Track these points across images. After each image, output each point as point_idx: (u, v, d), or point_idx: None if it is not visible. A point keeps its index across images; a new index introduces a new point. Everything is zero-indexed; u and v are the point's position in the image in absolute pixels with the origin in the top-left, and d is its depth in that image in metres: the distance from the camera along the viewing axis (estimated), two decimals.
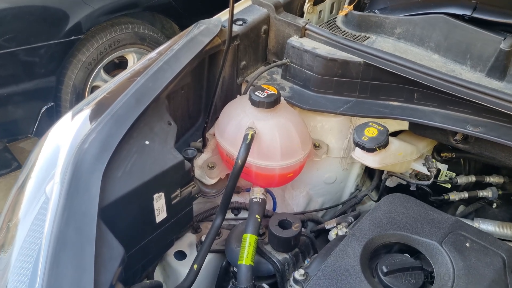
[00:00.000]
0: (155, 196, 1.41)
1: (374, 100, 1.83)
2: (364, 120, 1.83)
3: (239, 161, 1.54)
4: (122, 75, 1.62)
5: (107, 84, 1.62)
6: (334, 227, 1.96)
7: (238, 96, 1.80)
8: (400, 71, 1.69)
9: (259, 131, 1.62)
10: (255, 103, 1.63)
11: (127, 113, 1.42)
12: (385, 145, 1.69)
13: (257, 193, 1.73)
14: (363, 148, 1.69)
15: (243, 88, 1.99)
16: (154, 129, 1.46)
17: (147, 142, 1.43)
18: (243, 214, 2.03)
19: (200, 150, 1.88)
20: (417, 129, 1.84)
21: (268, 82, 1.94)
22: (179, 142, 1.93)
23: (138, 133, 1.43)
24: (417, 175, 2.01)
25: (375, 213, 1.56)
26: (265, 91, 1.66)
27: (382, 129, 1.72)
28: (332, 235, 1.77)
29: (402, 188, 2.12)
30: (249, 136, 1.57)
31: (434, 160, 1.85)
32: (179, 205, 1.53)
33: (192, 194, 1.58)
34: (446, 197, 2.02)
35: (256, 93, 1.64)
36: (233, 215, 2.01)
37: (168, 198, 1.47)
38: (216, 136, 1.77)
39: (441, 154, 2.01)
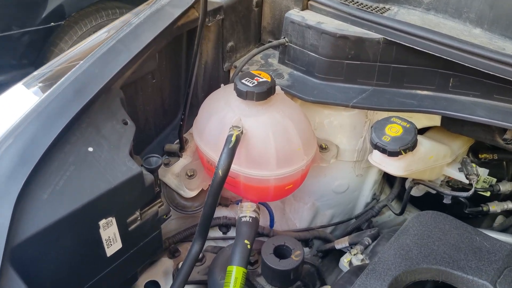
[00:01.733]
0: (102, 223, 1.03)
1: (397, 88, 1.44)
2: (384, 114, 1.44)
3: (220, 172, 1.15)
4: (61, 58, 1.23)
5: (39, 70, 1.23)
6: (346, 247, 1.58)
7: (223, 85, 1.42)
8: (432, 49, 1.29)
9: (247, 131, 1.23)
10: (242, 94, 1.24)
11: (62, 109, 1.04)
12: (412, 147, 1.29)
13: (247, 210, 1.35)
14: (383, 151, 1.29)
15: (232, 75, 1.60)
16: (101, 131, 1.08)
17: (90, 149, 1.05)
18: (233, 232, 1.65)
19: (177, 155, 1.50)
20: (452, 125, 1.44)
21: (262, 68, 1.55)
22: (152, 145, 1.55)
23: (79, 136, 1.05)
24: (449, 182, 1.61)
25: (402, 239, 1.17)
26: (255, 78, 1.27)
27: (408, 126, 1.32)
28: (343, 263, 1.38)
29: (431, 198, 1.73)
30: (233, 138, 1.18)
31: (474, 165, 1.45)
32: (140, 231, 1.15)
33: (159, 216, 1.20)
34: (485, 208, 1.62)
35: (243, 81, 1.25)
36: (221, 233, 1.63)
37: (122, 224, 1.09)
38: (194, 137, 1.39)
39: (479, 156, 1.61)
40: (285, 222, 1.68)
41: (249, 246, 1.26)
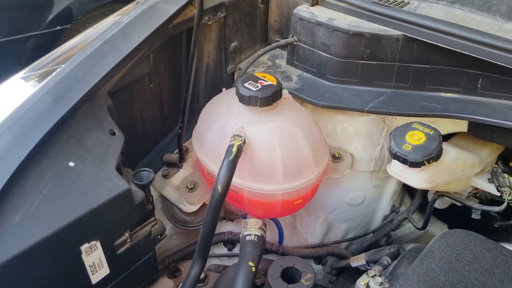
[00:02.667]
0: (84, 247, 0.91)
1: (418, 91, 1.29)
2: (404, 119, 1.30)
3: (219, 187, 1.02)
4: (43, 60, 1.12)
5: (19, 74, 1.12)
6: (362, 265, 1.44)
7: (224, 89, 1.29)
8: (458, 46, 1.15)
9: (250, 140, 1.10)
10: (245, 99, 1.11)
11: (38, 119, 0.92)
12: (437, 156, 1.15)
13: (252, 228, 1.21)
14: (404, 161, 1.15)
15: (236, 78, 1.47)
16: (85, 143, 0.96)
17: (71, 164, 0.93)
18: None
19: (176, 165, 1.37)
20: (481, 132, 1.29)
21: (269, 70, 1.42)
22: (150, 155, 1.43)
23: (58, 150, 0.93)
24: (477, 193, 1.46)
25: (426, 263, 1.02)
26: (259, 81, 1.14)
27: (432, 133, 1.18)
28: (360, 286, 1.24)
29: (454, 209, 1.58)
30: (234, 149, 1.05)
31: (506, 176, 1.29)
32: (130, 254, 1.03)
33: (153, 236, 1.07)
34: None
35: (246, 84, 1.12)
36: (226, 249, 1.50)
37: (109, 247, 0.97)
38: (193, 146, 1.26)
39: (510, 164, 1.46)
40: (295, 237, 1.55)
41: (253, 269, 1.13)
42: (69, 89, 0.97)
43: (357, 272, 1.57)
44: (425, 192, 1.61)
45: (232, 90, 1.23)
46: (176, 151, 1.42)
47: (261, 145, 1.11)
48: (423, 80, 1.27)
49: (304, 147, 1.13)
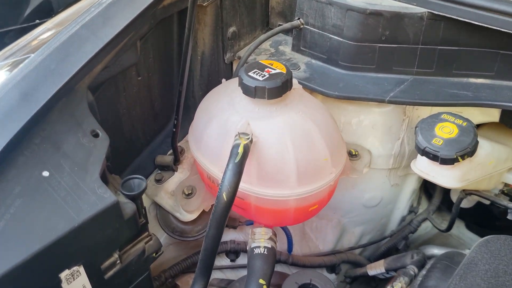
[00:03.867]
0: (65, 275, 0.75)
1: (444, 77, 1.14)
2: (427, 110, 1.16)
3: (224, 196, 0.86)
4: (10, 49, 0.95)
5: None
6: (381, 273, 1.30)
7: (224, 80, 1.13)
8: (493, 22, 0.99)
9: (258, 139, 0.94)
10: (250, 91, 0.95)
11: (3, 121, 0.75)
12: (472, 151, 1.00)
13: (260, 239, 1.06)
14: (434, 158, 1.00)
15: (235, 68, 1.31)
16: (62, 148, 0.79)
17: (46, 174, 0.76)
18: (244, 259, 1.37)
19: (171, 168, 1.21)
20: None
21: (273, 58, 1.26)
22: (140, 157, 1.26)
23: (29, 157, 0.76)
24: (504, 190, 1.31)
25: (470, 278, 0.88)
26: (266, 69, 0.98)
27: (465, 124, 1.03)
28: None
29: (478, 208, 1.44)
30: (240, 149, 0.89)
31: None
32: (121, 277, 0.86)
33: (147, 254, 0.91)
34: None
35: (250, 73, 0.96)
36: (228, 260, 1.34)
37: (95, 272, 0.80)
38: (190, 146, 1.10)
39: None
40: (305, 244, 1.39)
41: (265, 286, 0.98)
42: (40, 83, 0.80)
43: (373, 279, 1.43)
44: (445, 190, 1.46)
45: (234, 81, 1.07)
46: (170, 152, 1.26)
47: (271, 144, 0.95)
48: (449, 65, 1.12)
49: (320, 145, 0.97)
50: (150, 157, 1.27)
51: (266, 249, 1.03)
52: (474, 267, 0.90)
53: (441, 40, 1.09)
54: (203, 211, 1.19)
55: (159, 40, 1.18)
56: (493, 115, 1.16)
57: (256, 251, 1.03)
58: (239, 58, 1.27)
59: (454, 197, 1.38)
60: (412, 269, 1.14)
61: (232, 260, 1.33)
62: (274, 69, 0.98)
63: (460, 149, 0.99)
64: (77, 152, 0.80)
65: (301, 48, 1.24)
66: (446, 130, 1.02)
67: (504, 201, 1.15)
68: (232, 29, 1.24)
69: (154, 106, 1.27)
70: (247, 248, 1.06)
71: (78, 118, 0.83)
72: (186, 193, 1.17)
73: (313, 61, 1.22)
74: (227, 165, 0.88)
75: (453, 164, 1.00)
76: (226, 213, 0.88)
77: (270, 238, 1.06)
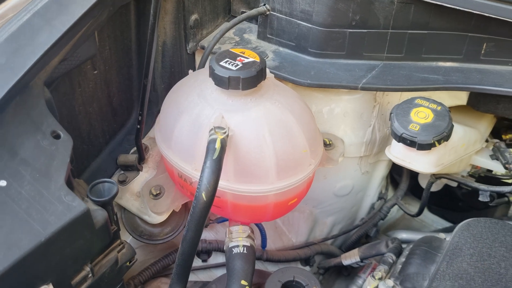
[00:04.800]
0: None
1: (413, 61, 1.13)
2: (397, 95, 1.15)
3: (203, 195, 0.80)
4: None
5: None
6: (356, 262, 1.28)
7: (191, 71, 1.06)
8: (463, 3, 0.98)
9: (234, 132, 0.88)
10: (223, 82, 0.89)
11: None
12: (448, 135, 0.99)
13: (239, 238, 1.00)
14: (412, 144, 0.99)
15: (198, 58, 1.24)
16: (19, 153, 0.70)
17: (2, 183, 0.67)
18: (216, 258, 1.31)
19: (135, 168, 1.13)
20: (483, 104, 1.15)
21: (238, 46, 1.20)
22: (100, 157, 1.17)
23: None
24: (474, 173, 1.34)
25: (456, 263, 0.87)
26: (238, 58, 0.92)
27: (439, 108, 1.02)
28: None
29: (444, 192, 1.46)
30: (217, 145, 0.83)
31: None
32: None
33: (121, 264, 0.84)
34: None
35: (222, 63, 0.90)
36: (200, 261, 1.28)
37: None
38: (158, 144, 1.02)
39: (502, 137, 1.34)
40: (278, 238, 1.36)
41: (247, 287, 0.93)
42: None
43: (345, 268, 1.42)
44: (412, 175, 1.47)
45: (203, 72, 1.00)
46: (133, 150, 1.18)
47: (248, 137, 0.90)
48: (419, 49, 1.11)
49: (298, 136, 0.93)
50: (111, 157, 1.18)
51: (245, 248, 0.98)
52: (459, 252, 0.89)
53: (411, 24, 1.07)
54: (174, 212, 1.12)
55: (116, 30, 1.09)
56: (461, 98, 1.17)
57: (235, 250, 0.98)
58: (202, 48, 1.20)
59: (422, 182, 1.38)
60: (390, 256, 1.12)
61: (204, 260, 1.27)
62: (247, 58, 0.92)
63: (436, 134, 0.98)
64: (37, 157, 0.71)
65: (268, 35, 1.19)
66: (422, 115, 1.01)
67: (475, 183, 1.16)
68: (194, 16, 1.16)
69: (113, 101, 1.18)
70: (225, 248, 1.01)
71: (36, 119, 0.74)
72: (154, 193, 1.09)
73: (281, 49, 1.18)
74: (205, 162, 0.82)
75: (430, 149, 0.99)
76: (206, 213, 0.82)
77: (249, 236, 1.01)
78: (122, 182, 1.12)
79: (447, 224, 1.69)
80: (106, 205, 0.77)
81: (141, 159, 1.13)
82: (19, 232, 0.64)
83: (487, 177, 1.37)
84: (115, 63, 1.14)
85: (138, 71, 1.20)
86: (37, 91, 0.75)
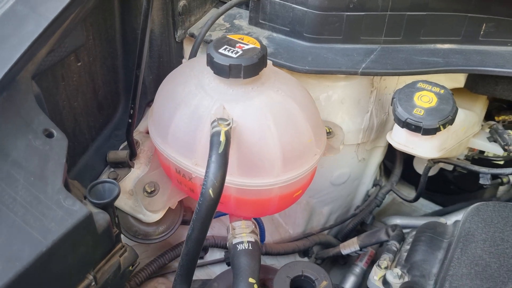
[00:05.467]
0: None
1: (411, 44, 1.10)
2: (394, 79, 1.12)
3: (210, 192, 0.75)
4: None
5: None
6: (355, 251, 1.26)
7: (184, 61, 1.00)
8: None
9: (237, 124, 0.83)
10: (223, 70, 0.83)
11: None
12: (453, 119, 0.97)
13: (242, 233, 0.96)
14: (416, 129, 0.96)
15: (186, 47, 1.18)
16: (10, 155, 0.64)
17: None
18: (212, 255, 1.27)
19: (127, 165, 1.07)
20: (481, 86, 1.14)
21: (230, 33, 1.15)
22: (86, 155, 1.10)
23: None
24: (469, 156, 1.33)
25: (470, 250, 0.85)
26: (238, 45, 0.86)
27: (442, 92, 1.00)
28: (374, 281, 1.04)
29: (439, 176, 1.45)
30: (222, 137, 0.78)
31: (511, 132, 1.16)
32: None
33: (124, 269, 0.78)
34: (505, 180, 1.35)
35: (221, 50, 0.84)
36: None
37: None
38: (153, 138, 0.96)
39: (495, 118, 1.33)
40: (275, 230, 1.32)
41: (256, 286, 0.89)
42: None
43: (341, 257, 1.40)
44: (405, 160, 1.45)
45: (198, 61, 0.95)
46: (122, 146, 1.12)
47: (252, 128, 0.85)
48: (417, 31, 1.08)
49: (303, 125, 0.89)
50: (98, 153, 1.11)
51: (250, 244, 0.94)
52: (471, 238, 0.87)
53: (410, 5, 1.04)
54: (170, 210, 1.07)
55: (99, 18, 1.01)
56: (459, 80, 1.15)
57: (240, 247, 0.94)
58: (192, 35, 1.14)
59: (417, 167, 1.37)
60: (393, 244, 1.10)
61: (200, 257, 1.22)
62: (247, 44, 0.87)
63: (442, 118, 0.96)
64: (30, 158, 0.65)
65: (260, 21, 1.14)
66: (425, 99, 0.99)
67: (475, 167, 1.15)
68: (182, 2, 1.10)
69: (98, 95, 1.11)
70: (228, 245, 0.96)
71: (26, 116, 0.67)
72: (148, 190, 1.03)
73: (275, 34, 1.13)
74: (210, 156, 0.77)
75: (435, 133, 0.97)
76: (213, 211, 0.78)
77: (252, 232, 0.97)
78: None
79: (436, 207, 1.69)
80: (107, 207, 0.71)
81: (133, 155, 1.06)
82: (18, 242, 0.58)
83: (480, 159, 1.36)
84: (99, 53, 1.07)
85: (123, 62, 1.13)
86: (25, 85, 0.68)
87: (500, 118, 1.32)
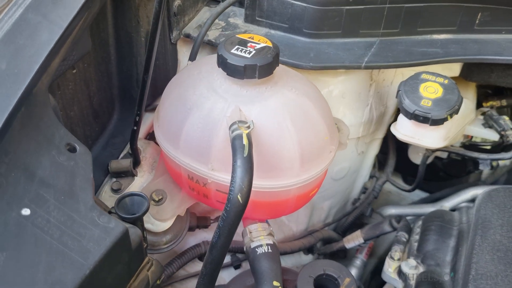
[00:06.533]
0: None
1: (408, 36, 1.11)
2: (391, 72, 1.14)
3: (239, 197, 0.73)
4: None
5: None
6: (359, 244, 1.27)
7: (190, 62, 0.97)
8: None
9: (255, 126, 0.81)
10: (238, 71, 0.81)
11: None
12: (459, 108, 0.99)
13: (260, 236, 0.94)
14: (425, 120, 0.97)
15: (180, 48, 1.14)
16: (36, 174, 0.59)
17: (26, 212, 0.56)
18: None
19: (130, 174, 1.03)
20: (477, 73, 1.16)
21: (226, 32, 1.12)
22: None
23: None
24: (464, 143, 1.36)
25: (490, 236, 0.87)
26: (249, 44, 0.84)
27: (446, 82, 1.01)
28: (389, 273, 1.05)
29: (431, 165, 1.47)
30: (245, 141, 0.76)
31: (506, 117, 1.19)
32: None
33: (152, 283, 0.75)
34: (494, 164, 1.40)
35: (233, 51, 0.82)
36: (201, 264, 1.20)
37: None
38: (161, 145, 0.93)
39: (484, 104, 1.37)
40: (278, 229, 1.31)
41: None
42: None
43: (341, 251, 1.40)
44: (395, 148, 1.47)
45: (205, 62, 0.92)
46: (122, 155, 1.07)
47: (270, 129, 0.83)
48: (414, 23, 1.09)
49: (320, 123, 0.88)
50: (96, 164, 1.05)
51: (269, 247, 0.92)
52: (489, 224, 0.89)
53: None
54: (178, 218, 1.03)
55: (92, 22, 0.97)
56: (454, 69, 1.17)
57: (259, 251, 0.92)
58: (187, 36, 1.11)
59: (413, 156, 1.39)
60: (403, 235, 1.11)
61: None
62: (258, 43, 0.85)
63: (449, 108, 0.97)
64: (57, 176, 0.61)
65: (257, 18, 1.12)
66: (431, 90, 1.00)
67: (475, 153, 1.18)
68: (177, 2, 1.06)
69: (93, 102, 1.06)
70: (246, 249, 0.94)
71: (46, 131, 0.63)
72: (156, 199, 0.99)
73: (273, 31, 1.11)
74: (235, 161, 0.74)
75: (443, 123, 0.98)
76: (241, 217, 0.76)
77: (270, 234, 0.95)
78: (117, 191, 1.01)
79: (423, 194, 1.72)
80: (136, 221, 0.68)
81: (137, 163, 1.02)
82: (59, 267, 0.54)
83: (470, 145, 1.40)
84: (93, 59, 1.02)
85: (117, 67, 1.09)
86: (42, 98, 0.64)
87: (488, 104, 1.36)
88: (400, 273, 1.02)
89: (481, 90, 1.35)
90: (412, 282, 0.96)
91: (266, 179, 0.86)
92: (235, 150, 0.75)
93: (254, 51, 0.83)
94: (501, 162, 1.41)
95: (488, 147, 1.43)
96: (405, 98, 0.99)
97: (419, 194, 1.76)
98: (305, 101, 0.87)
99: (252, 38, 0.86)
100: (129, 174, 1.03)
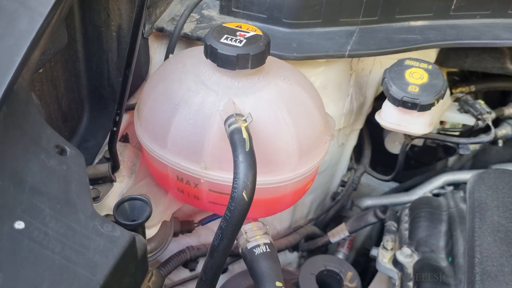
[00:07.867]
0: None
1: (387, 23, 1.10)
2: (370, 60, 1.13)
3: (244, 195, 0.68)
4: None
5: None
6: (344, 238, 1.25)
7: (171, 56, 0.90)
8: None
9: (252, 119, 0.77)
10: (230, 62, 0.76)
11: None
12: (445, 93, 0.99)
13: (256, 236, 0.89)
14: (413, 106, 0.96)
15: (152, 43, 1.08)
16: (26, 181, 0.52)
17: (19, 225, 0.49)
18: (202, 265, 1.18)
19: (108, 179, 0.94)
20: (453, 59, 1.18)
21: (201, 24, 1.06)
22: None
23: None
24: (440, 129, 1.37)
25: (488, 218, 0.86)
26: (238, 33, 0.80)
27: (430, 67, 1.01)
28: (384, 263, 1.03)
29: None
30: (245, 135, 0.71)
31: (482, 102, 1.21)
32: None
33: None
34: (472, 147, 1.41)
35: (223, 40, 0.77)
36: (187, 271, 1.14)
37: None
38: (146, 146, 0.86)
39: (452, 91, 1.39)
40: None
41: None
42: None
43: (323, 246, 1.38)
44: (369, 139, 1.46)
45: (188, 54, 0.86)
46: (97, 160, 0.99)
47: (266, 121, 0.79)
48: (392, 10, 1.08)
49: (315, 113, 0.84)
50: None
51: (267, 246, 0.87)
52: (485, 206, 0.89)
53: None
54: (164, 223, 0.97)
55: (67, 19, 0.88)
56: (431, 56, 1.18)
57: (257, 251, 0.87)
58: (159, 30, 1.04)
59: (389, 146, 1.39)
60: (392, 225, 1.10)
61: (191, 270, 1.13)
62: (247, 32, 0.80)
63: (436, 93, 0.97)
64: (50, 182, 0.53)
65: (233, 9, 1.07)
66: (417, 76, 0.99)
67: (454, 138, 1.19)
68: None
69: (62, 104, 0.97)
70: (241, 251, 0.89)
71: (32, 132, 0.55)
72: None
73: (250, 22, 1.07)
74: (237, 157, 0.69)
75: (430, 109, 0.97)
76: (245, 216, 0.70)
77: (266, 233, 0.90)
78: (96, 199, 0.93)
79: (393, 184, 1.74)
80: (138, 228, 0.61)
81: (116, 167, 0.95)
82: (65, 284, 0.47)
83: (442, 132, 1.41)
84: (60, 57, 0.94)
85: (86, 65, 1.01)
86: (24, 95, 0.56)
87: (458, 90, 1.38)
88: (395, 262, 1.00)
89: (448, 77, 1.37)
90: (410, 271, 0.95)
91: (263, 174, 0.81)
92: (235, 145, 0.70)
93: (245, 40, 0.78)
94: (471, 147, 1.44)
95: (457, 133, 1.45)
96: (392, 85, 0.97)
97: (389, 184, 1.77)
98: (299, 90, 0.83)
99: (240, 27, 0.81)
100: (107, 180, 0.94)
